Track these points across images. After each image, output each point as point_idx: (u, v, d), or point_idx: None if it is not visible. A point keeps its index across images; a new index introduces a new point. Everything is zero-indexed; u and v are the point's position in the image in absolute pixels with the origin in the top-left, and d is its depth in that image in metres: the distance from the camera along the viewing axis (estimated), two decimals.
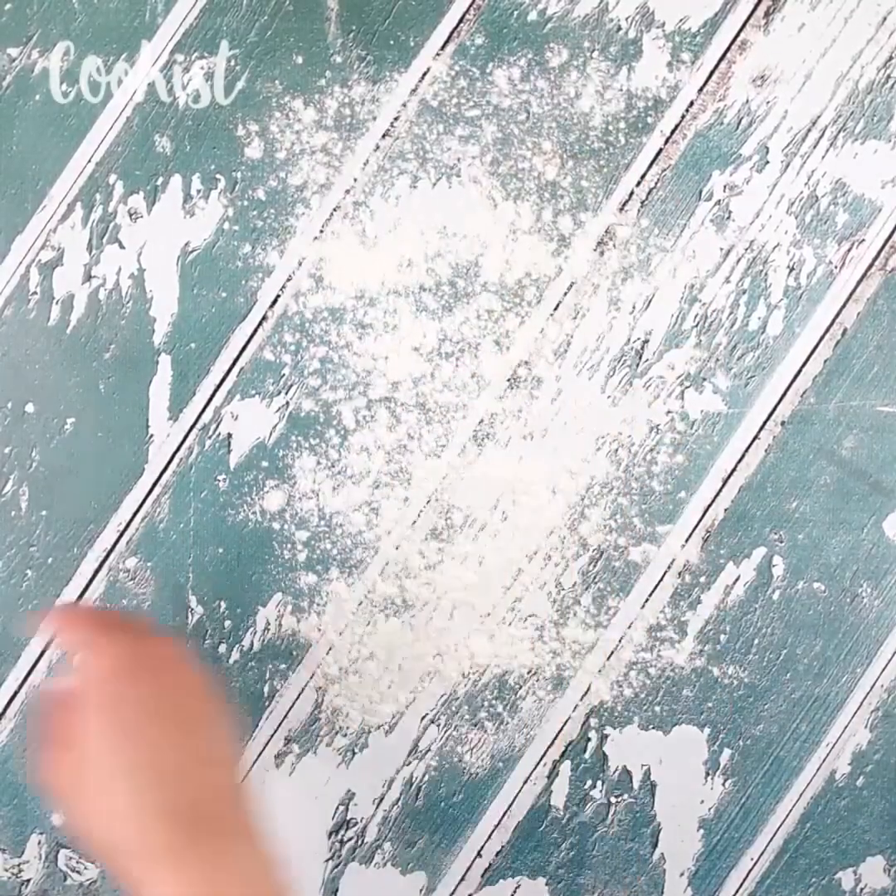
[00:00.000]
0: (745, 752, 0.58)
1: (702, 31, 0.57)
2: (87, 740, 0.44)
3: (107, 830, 0.44)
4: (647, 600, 0.58)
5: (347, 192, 0.57)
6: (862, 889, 0.58)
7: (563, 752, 0.58)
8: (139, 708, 0.45)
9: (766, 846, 0.59)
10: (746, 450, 0.58)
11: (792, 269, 0.58)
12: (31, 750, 0.56)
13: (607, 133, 0.58)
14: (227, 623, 0.58)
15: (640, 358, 0.58)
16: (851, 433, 0.58)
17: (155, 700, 0.45)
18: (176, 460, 0.58)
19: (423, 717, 0.58)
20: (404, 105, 0.58)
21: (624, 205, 0.58)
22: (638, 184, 0.58)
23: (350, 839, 0.59)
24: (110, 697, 0.45)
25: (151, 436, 0.58)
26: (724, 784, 0.58)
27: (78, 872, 0.58)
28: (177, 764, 0.45)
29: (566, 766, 0.58)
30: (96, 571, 0.58)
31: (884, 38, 0.57)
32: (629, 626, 0.58)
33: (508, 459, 0.58)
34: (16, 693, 0.58)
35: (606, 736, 0.58)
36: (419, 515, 0.58)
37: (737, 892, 0.59)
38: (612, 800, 0.58)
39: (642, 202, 0.58)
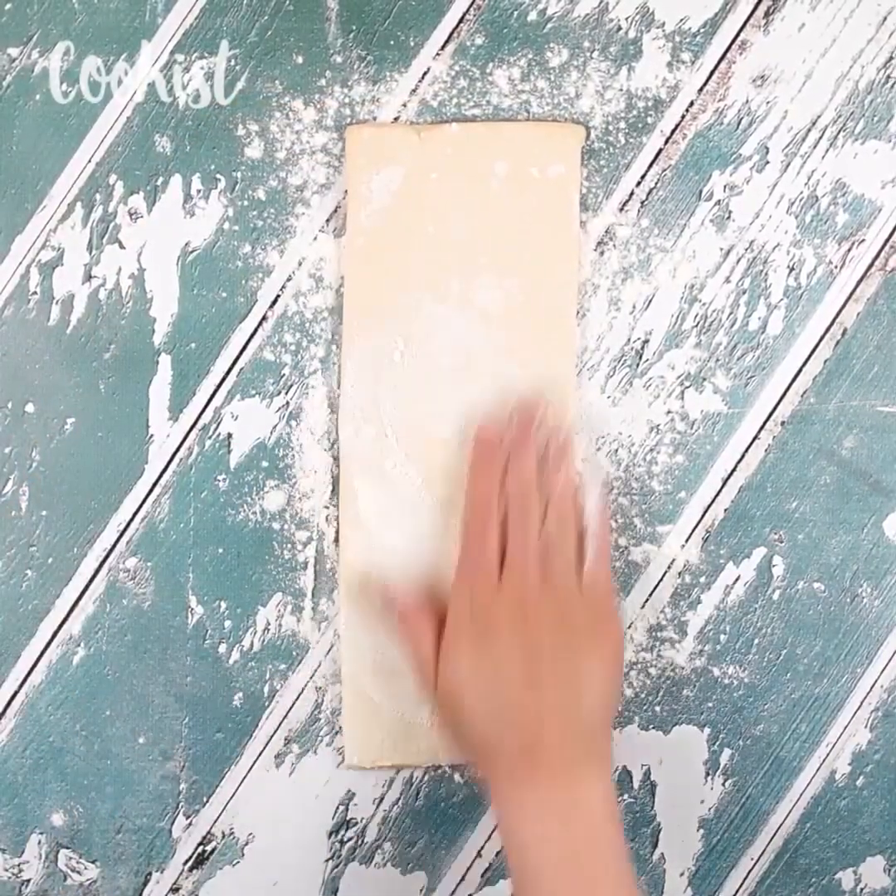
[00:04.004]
0: (745, 752, 0.58)
1: (702, 31, 0.57)
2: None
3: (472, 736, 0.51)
4: (647, 600, 0.58)
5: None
6: (862, 889, 0.58)
7: None
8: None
9: (766, 846, 0.59)
10: (746, 450, 0.58)
11: (792, 269, 0.58)
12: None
13: (607, 133, 0.58)
14: (227, 623, 0.58)
15: (640, 358, 0.58)
16: (851, 433, 0.58)
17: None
18: (176, 460, 0.58)
19: None
20: (404, 105, 0.58)
21: (624, 205, 0.58)
22: (638, 184, 0.58)
23: (350, 839, 0.59)
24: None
25: (151, 436, 0.58)
26: (724, 784, 0.58)
27: (78, 872, 0.58)
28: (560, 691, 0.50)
29: None
30: (96, 571, 0.58)
31: (884, 38, 0.57)
32: (629, 626, 0.58)
33: None
34: (16, 693, 0.58)
35: None
36: None
37: (737, 892, 0.59)
38: None
39: (642, 202, 0.58)
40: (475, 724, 0.51)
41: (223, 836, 0.59)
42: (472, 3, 0.57)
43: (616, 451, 0.58)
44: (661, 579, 0.58)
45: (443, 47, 0.57)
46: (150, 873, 0.58)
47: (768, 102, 0.58)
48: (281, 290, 0.58)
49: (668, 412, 0.58)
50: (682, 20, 0.57)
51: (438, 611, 0.54)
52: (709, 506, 0.58)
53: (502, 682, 0.51)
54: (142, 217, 0.58)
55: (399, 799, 0.58)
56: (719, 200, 0.58)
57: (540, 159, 0.56)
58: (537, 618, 0.51)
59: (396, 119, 0.57)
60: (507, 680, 0.50)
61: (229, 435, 0.58)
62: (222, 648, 0.58)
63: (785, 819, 0.58)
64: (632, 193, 0.58)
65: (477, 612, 0.52)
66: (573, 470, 0.54)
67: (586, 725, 0.51)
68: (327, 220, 0.58)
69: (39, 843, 0.58)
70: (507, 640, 0.51)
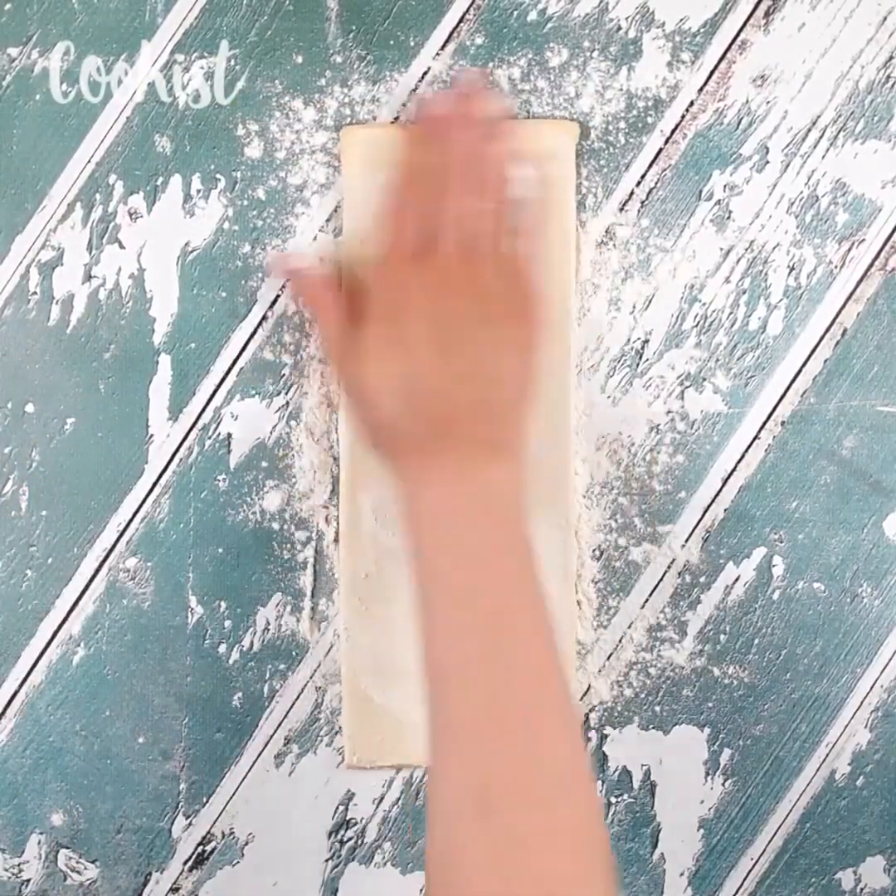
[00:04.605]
0: (745, 752, 0.58)
1: (702, 31, 0.57)
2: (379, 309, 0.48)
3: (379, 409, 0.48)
4: (647, 600, 0.58)
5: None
6: (862, 889, 0.58)
7: None
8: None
9: (766, 846, 0.59)
10: (746, 450, 0.58)
11: (792, 269, 0.58)
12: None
13: (607, 133, 0.58)
14: (227, 623, 0.58)
15: (640, 358, 0.58)
16: (851, 433, 0.58)
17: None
18: (176, 460, 0.58)
19: None
20: (404, 105, 0.58)
21: (624, 205, 0.58)
22: (638, 184, 0.58)
23: (350, 839, 0.59)
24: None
25: (151, 436, 0.58)
26: (724, 784, 0.58)
27: (78, 872, 0.58)
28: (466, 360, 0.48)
29: None
30: (96, 571, 0.58)
31: (884, 38, 0.57)
32: (629, 626, 0.58)
33: None
34: (16, 693, 0.58)
35: (606, 736, 0.58)
36: None
37: (737, 892, 0.59)
38: (612, 800, 0.58)
39: (642, 202, 0.58)
40: (386, 409, 0.48)
41: (223, 836, 0.59)
42: (472, 3, 0.57)
43: (616, 451, 0.58)
44: (661, 579, 0.58)
45: (443, 47, 0.57)
46: (150, 873, 0.58)
47: (768, 102, 0.58)
48: (281, 289, 0.58)
49: (668, 412, 0.58)
50: (682, 20, 0.57)
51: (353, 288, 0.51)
52: (709, 506, 0.58)
53: (415, 362, 0.48)
54: (142, 217, 0.58)
55: (399, 799, 0.58)
56: (719, 200, 0.58)
57: (535, 157, 0.56)
58: (454, 290, 0.48)
59: (396, 119, 0.57)
60: (419, 359, 0.48)
61: (229, 435, 0.58)
62: (222, 648, 0.58)
63: (785, 819, 0.58)
64: (632, 193, 0.58)
65: (393, 292, 0.49)
66: (505, 152, 0.52)
67: (498, 403, 0.48)
68: (327, 220, 0.58)
69: (39, 843, 0.58)
70: (423, 319, 0.48)
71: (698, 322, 0.58)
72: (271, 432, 0.58)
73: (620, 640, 0.58)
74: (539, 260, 0.51)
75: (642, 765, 0.58)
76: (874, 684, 0.58)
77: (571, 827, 0.43)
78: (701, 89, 0.58)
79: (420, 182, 0.51)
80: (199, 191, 0.58)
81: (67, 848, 0.58)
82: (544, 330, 0.51)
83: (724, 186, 0.58)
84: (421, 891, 0.59)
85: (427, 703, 0.46)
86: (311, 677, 0.58)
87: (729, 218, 0.58)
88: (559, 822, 0.43)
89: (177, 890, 0.59)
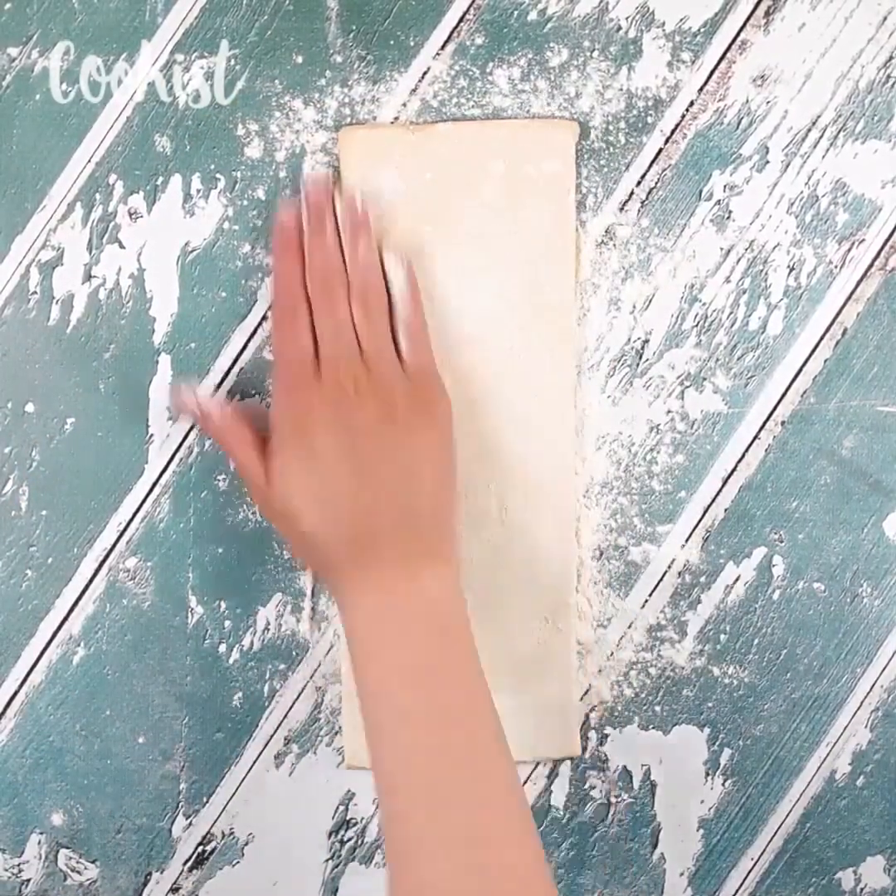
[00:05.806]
0: (745, 752, 0.58)
1: (702, 30, 0.57)
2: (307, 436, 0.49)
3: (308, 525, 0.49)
4: (647, 600, 0.58)
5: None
6: (862, 889, 0.58)
7: None
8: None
9: (766, 846, 0.59)
10: (746, 450, 0.58)
11: (792, 269, 0.58)
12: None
13: (607, 133, 0.58)
14: (227, 623, 0.58)
15: (640, 358, 0.58)
16: (851, 433, 0.58)
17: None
18: (176, 460, 0.58)
19: None
20: (404, 105, 0.58)
21: (624, 205, 0.58)
22: (638, 184, 0.58)
23: (350, 839, 0.59)
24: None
25: (151, 436, 0.58)
26: (724, 784, 0.58)
27: (78, 872, 0.58)
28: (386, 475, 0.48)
29: (566, 766, 0.58)
30: (96, 571, 0.58)
31: (884, 38, 0.57)
32: (629, 626, 0.58)
33: None
34: (16, 693, 0.58)
35: (606, 736, 0.58)
36: None
37: (737, 892, 0.59)
38: (612, 800, 0.58)
39: (642, 202, 0.58)
40: (309, 528, 0.49)
41: (223, 836, 0.59)
42: (472, 3, 0.57)
43: (616, 451, 0.58)
44: (661, 579, 0.58)
45: (443, 47, 0.57)
46: (150, 873, 0.58)
47: (768, 102, 0.58)
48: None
49: (668, 412, 0.58)
50: (682, 20, 0.57)
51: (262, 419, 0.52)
52: (709, 506, 0.58)
53: (330, 478, 0.49)
54: (142, 217, 0.58)
55: None
56: (719, 200, 0.58)
57: (534, 157, 0.56)
58: (360, 406, 0.49)
59: (396, 119, 0.57)
60: (334, 476, 0.49)
61: None
62: (222, 648, 0.58)
63: (785, 819, 0.58)
64: (632, 193, 0.58)
65: (297, 410, 0.50)
66: (373, 243, 0.52)
67: (423, 515, 0.49)
68: None
69: (39, 843, 0.58)
70: (330, 434, 0.49)
71: (698, 322, 0.58)
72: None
73: (620, 640, 0.58)
74: (430, 360, 0.52)
75: (642, 765, 0.58)
76: (874, 684, 0.58)
77: None
78: (701, 89, 0.58)
79: (297, 296, 0.51)
80: (199, 191, 0.58)
81: (67, 848, 0.58)
82: (451, 429, 0.51)
83: (724, 186, 0.58)
84: None
85: (380, 808, 0.48)
86: (311, 677, 0.58)
87: (729, 218, 0.58)
88: None
89: (177, 890, 0.59)
